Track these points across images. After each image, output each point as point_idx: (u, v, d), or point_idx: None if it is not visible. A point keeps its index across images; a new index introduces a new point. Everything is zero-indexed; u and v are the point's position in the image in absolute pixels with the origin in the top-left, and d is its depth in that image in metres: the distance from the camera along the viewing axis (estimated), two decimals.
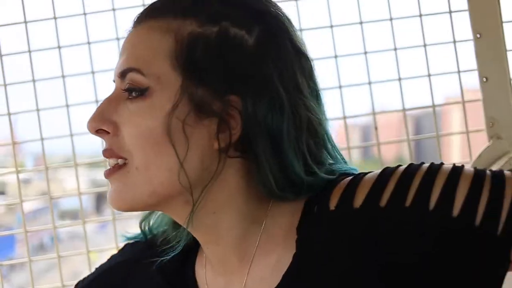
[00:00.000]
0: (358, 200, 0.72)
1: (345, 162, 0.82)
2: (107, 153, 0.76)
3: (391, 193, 0.70)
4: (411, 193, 0.70)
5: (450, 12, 1.37)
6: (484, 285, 0.69)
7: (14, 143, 1.37)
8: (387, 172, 0.73)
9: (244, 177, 0.74)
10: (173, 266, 0.82)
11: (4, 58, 1.35)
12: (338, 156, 0.81)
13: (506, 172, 0.72)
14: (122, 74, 0.75)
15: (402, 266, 0.70)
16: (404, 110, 1.37)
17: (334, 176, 0.76)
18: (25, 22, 1.34)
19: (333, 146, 0.81)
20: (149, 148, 0.73)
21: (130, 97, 0.74)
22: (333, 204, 0.73)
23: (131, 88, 0.74)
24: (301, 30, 1.31)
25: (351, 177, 0.75)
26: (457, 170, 0.71)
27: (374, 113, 1.36)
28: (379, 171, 0.75)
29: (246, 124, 0.72)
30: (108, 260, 0.91)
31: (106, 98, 0.77)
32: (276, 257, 0.76)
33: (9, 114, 1.35)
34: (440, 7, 1.39)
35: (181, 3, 0.76)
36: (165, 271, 0.82)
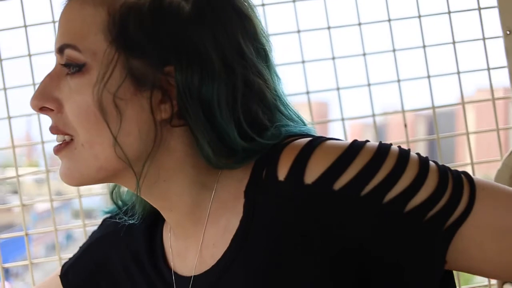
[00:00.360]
0: (310, 176, 0.69)
1: (304, 124, 0.80)
2: (53, 130, 0.76)
3: (353, 178, 0.68)
4: (375, 181, 0.68)
5: (480, 9, 1.36)
6: (423, 276, 0.69)
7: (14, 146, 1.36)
8: (353, 150, 0.69)
9: (190, 145, 0.74)
10: (141, 232, 0.85)
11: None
12: (295, 117, 0.79)
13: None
14: (60, 50, 0.74)
15: (344, 250, 0.69)
16: (433, 107, 1.36)
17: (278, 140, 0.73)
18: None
19: (286, 106, 0.79)
20: (90, 125, 0.72)
21: (69, 72, 0.74)
22: (282, 173, 0.70)
23: (69, 63, 0.73)
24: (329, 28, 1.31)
25: (304, 141, 0.71)
26: (403, 160, 0.69)
27: (403, 111, 1.36)
28: (342, 143, 0.71)
29: (179, 94, 0.71)
30: (89, 237, 0.93)
31: (48, 75, 0.76)
32: (225, 222, 0.76)
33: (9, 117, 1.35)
34: (469, 4, 1.38)
35: None
36: (135, 237, 0.85)
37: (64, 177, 0.76)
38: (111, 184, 0.86)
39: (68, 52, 0.73)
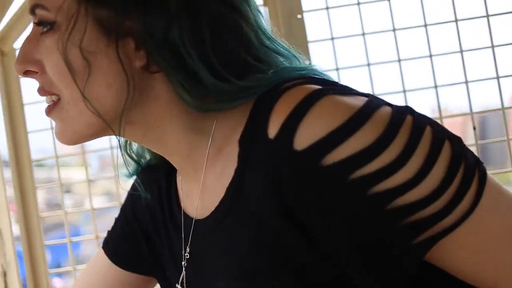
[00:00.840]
0: (300, 141, 0.63)
1: (298, 60, 0.77)
2: (40, 91, 0.76)
3: (345, 158, 0.61)
4: (369, 167, 0.61)
5: None
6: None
7: None
8: (359, 119, 0.62)
9: (172, 90, 0.73)
10: (161, 178, 0.88)
11: None
12: (288, 54, 0.76)
13: None
14: (32, 11, 0.74)
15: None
16: (503, 108, 1.33)
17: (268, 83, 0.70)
18: None
19: (273, 41, 0.76)
20: (69, 81, 0.72)
21: (43, 31, 0.73)
22: (273, 130, 0.65)
23: (41, 22, 0.73)
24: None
25: (305, 91, 0.65)
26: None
27: (472, 113, 1.33)
28: (351, 103, 0.63)
29: (144, 40, 0.70)
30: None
31: (26, 38, 0.76)
32: (221, 168, 0.74)
33: None
34: (507, 7, 1.36)
35: None
36: (152, 181, 0.89)
37: (59, 137, 0.77)
38: (122, 140, 0.86)
39: (38, 12, 0.73)
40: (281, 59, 0.76)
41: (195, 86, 0.70)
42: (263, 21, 0.77)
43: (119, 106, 0.72)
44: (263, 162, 0.67)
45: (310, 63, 0.79)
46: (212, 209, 0.75)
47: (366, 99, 0.65)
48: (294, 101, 0.65)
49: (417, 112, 0.65)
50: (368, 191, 0.61)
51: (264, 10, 1.35)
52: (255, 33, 0.74)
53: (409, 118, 0.63)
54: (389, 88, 1.39)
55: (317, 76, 0.74)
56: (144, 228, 0.91)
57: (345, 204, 0.63)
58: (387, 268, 0.65)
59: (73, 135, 0.76)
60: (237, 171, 0.71)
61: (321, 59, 1.53)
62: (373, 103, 0.64)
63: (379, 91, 1.36)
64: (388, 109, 0.64)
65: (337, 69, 1.37)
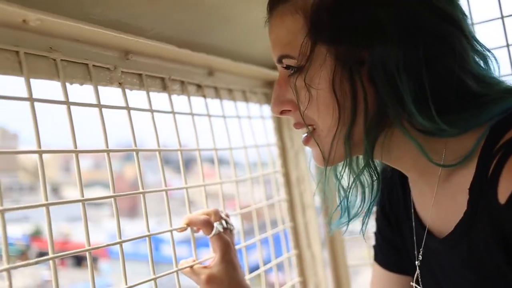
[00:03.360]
0: None
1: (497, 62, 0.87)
2: (297, 125, 0.90)
3: None
4: None
5: None
6: None
7: None
8: None
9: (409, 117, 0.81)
10: (398, 180, 1.04)
11: None
12: (489, 54, 0.86)
13: None
14: (279, 61, 0.88)
15: None
16: None
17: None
18: None
19: (482, 45, 0.86)
20: (320, 113, 0.84)
21: (290, 74, 0.86)
22: (503, 195, 0.74)
23: (289, 66, 0.86)
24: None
25: None
26: None
27: None
28: None
29: (380, 70, 0.79)
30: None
31: (276, 83, 0.90)
32: (453, 193, 0.85)
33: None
34: None
35: None
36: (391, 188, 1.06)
37: (317, 161, 0.89)
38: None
39: (285, 61, 0.86)
40: (488, 66, 0.86)
41: (429, 114, 0.78)
42: (470, 27, 0.86)
43: (363, 130, 0.82)
44: (491, 215, 0.77)
45: None
46: (446, 228, 0.86)
47: None
48: None
49: None
50: None
51: None
52: (471, 46, 0.84)
53: None
54: None
55: None
56: (397, 233, 1.05)
57: None
58: None
59: (331, 159, 0.86)
60: (466, 214, 0.81)
61: None
62: None
63: None
64: None
65: None
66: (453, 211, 0.84)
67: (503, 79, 0.87)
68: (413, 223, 0.97)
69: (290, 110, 0.89)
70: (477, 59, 0.85)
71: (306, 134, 0.89)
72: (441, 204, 0.88)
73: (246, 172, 1.39)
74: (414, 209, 0.97)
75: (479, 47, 0.85)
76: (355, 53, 0.80)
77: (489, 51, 0.86)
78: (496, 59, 0.87)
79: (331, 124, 0.83)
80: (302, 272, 1.58)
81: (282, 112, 0.90)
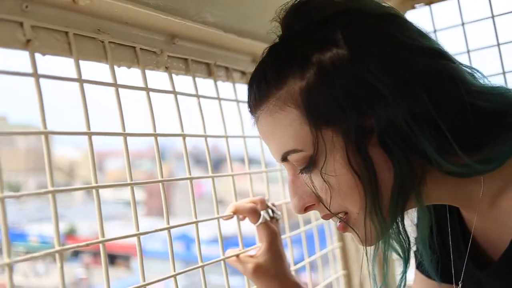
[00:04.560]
0: None
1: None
2: (327, 217, 0.84)
3: None
4: None
5: None
6: None
7: None
8: None
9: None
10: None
11: None
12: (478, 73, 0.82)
13: None
14: (283, 159, 0.82)
15: None
16: None
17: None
18: None
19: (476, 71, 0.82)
20: (349, 196, 0.78)
21: (302, 169, 0.81)
22: None
23: (297, 164, 0.81)
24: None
25: None
26: None
27: None
28: None
29: (390, 132, 0.74)
30: None
31: (290, 182, 0.84)
32: (500, 227, 0.79)
33: None
34: None
35: (267, 76, 0.81)
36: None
37: (359, 243, 0.84)
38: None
39: (291, 157, 0.80)
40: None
41: (458, 158, 0.74)
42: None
43: (389, 199, 0.77)
44: None
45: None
46: (493, 256, 0.83)
47: None
48: None
49: None
50: None
51: None
52: (461, 67, 0.80)
53: None
54: None
55: None
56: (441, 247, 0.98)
57: None
58: None
59: (375, 237, 0.81)
60: (506, 254, 0.77)
61: None
62: None
63: None
64: None
65: None
66: (501, 238, 0.78)
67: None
68: (459, 247, 0.91)
69: (313, 204, 0.83)
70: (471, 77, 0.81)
71: (340, 222, 0.83)
72: (488, 230, 0.84)
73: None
74: (462, 232, 0.91)
75: (464, 66, 0.81)
76: (361, 124, 0.74)
77: (470, 67, 0.83)
78: (479, 71, 0.83)
79: (362, 203, 0.78)
80: (346, 265, 1.55)
81: (306, 209, 0.84)
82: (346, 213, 0.81)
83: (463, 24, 1.40)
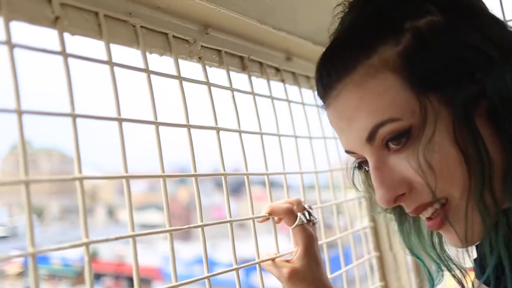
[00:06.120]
0: None
1: None
2: (421, 208, 0.72)
3: None
4: None
5: None
6: None
7: None
8: None
9: None
10: None
11: None
12: None
13: None
14: (370, 138, 0.71)
15: None
16: None
17: None
18: None
19: None
20: (453, 175, 0.68)
21: (391, 149, 0.71)
22: None
23: (391, 138, 0.70)
24: None
25: None
26: None
27: None
28: None
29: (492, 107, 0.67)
30: None
31: (374, 170, 0.73)
32: None
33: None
34: None
35: (351, 46, 0.74)
36: None
37: (457, 244, 0.73)
38: None
39: (384, 130, 0.70)
40: None
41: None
42: None
43: (501, 176, 0.67)
44: None
45: None
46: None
47: None
48: None
49: None
50: None
51: None
52: None
53: None
54: None
55: None
56: None
57: None
58: None
59: (478, 233, 0.70)
60: None
61: None
62: None
63: None
64: None
65: None
66: None
67: None
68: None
69: (404, 194, 0.72)
70: None
71: (432, 217, 0.72)
72: None
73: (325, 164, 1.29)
74: None
75: None
76: (468, 91, 0.67)
77: None
78: None
79: (465, 186, 0.68)
80: (383, 277, 1.46)
81: (395, 201, 0.72)
82: (443, 204, 0.71)
83: None
